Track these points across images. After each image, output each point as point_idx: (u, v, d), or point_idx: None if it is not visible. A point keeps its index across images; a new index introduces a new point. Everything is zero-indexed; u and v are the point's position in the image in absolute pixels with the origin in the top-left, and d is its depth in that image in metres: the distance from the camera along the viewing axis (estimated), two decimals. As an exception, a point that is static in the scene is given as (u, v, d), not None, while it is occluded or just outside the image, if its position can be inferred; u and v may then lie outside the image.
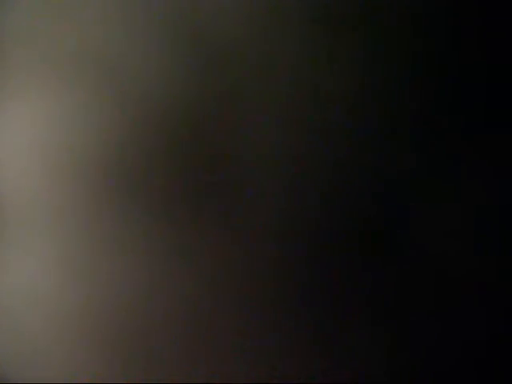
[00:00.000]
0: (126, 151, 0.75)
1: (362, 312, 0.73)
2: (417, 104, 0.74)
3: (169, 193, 0.75)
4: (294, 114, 0.75)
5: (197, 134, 0.75)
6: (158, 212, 0.75)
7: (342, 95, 0.75)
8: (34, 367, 0.74)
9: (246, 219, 0.74)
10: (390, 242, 0.73)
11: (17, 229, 0.75)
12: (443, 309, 0.73)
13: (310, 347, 0.73)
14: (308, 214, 0.74)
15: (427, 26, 0.75)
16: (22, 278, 0.75)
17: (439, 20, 0.75)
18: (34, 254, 0.75)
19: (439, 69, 0.74)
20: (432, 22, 0.75)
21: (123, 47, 0.76)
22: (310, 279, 0.74)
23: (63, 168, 0.76)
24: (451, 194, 0.74)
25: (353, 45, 0.75)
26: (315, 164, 0.74)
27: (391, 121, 0.74)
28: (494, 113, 0.74)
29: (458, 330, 0.73)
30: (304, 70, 0.75)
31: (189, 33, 0.75)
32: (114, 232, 0.75)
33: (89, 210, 0.75)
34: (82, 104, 0.76)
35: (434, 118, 0.74)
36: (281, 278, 0.74)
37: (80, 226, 0.75)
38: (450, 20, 0.75)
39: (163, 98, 0.75)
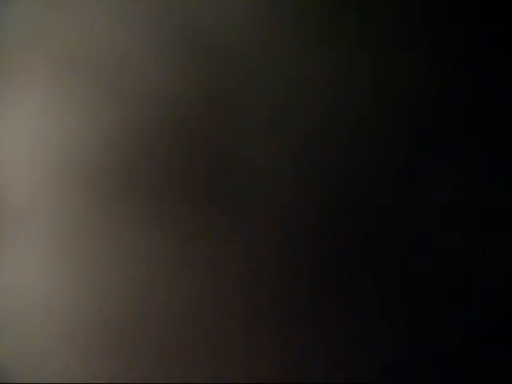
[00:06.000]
0: (126, 152, 0.75)
1: (364, 311, 0.73)
2: (415, 105, 0.74)
3: (169, 194, 0.75)
4: (295, 114, 0.75)
5: (197, 136, 0.75)
6: (158, 212, 0.75)
7: (342, 95, 0.75)
8: (34, 367, 0.74)
9: (247, 220, 0.74)
10: (392, 243, 0.73)
11: (17, 229, 0.75)
12: (444, 305, 0.73)
13: (311, 347, 0.73)
14: (310, 215, 0.74)
15: (427, 26, 0.75)
16: (22, 278, 0.75)
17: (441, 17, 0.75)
18: (34, 254, 0.75)
19: (440, 62, 0.75)
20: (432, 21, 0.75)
21: (124, 49, 0.76)
22: (312, 279, 0.74)
23: (63, 169, 0.76)
24: (451, 190, 0.74)
25: (354, 46, 0.75)
26: (317, 164, 0.74)
27: (392, 118, 0.74)
28: (495, 107, 0.74)
29: (460, 326, 0.73)
30: (305, 70, 0.75)
31: (189, 33, 0.75)
32: (113, 232, 0.75)
33: (89, 211, 0.75)
34: (83, 105, 0.76)
35: (435, 112, 0.74)
36: (283, 278, 0.74)
37: (80, 227, 0.75)
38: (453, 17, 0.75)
39: (164, 99, 0.75)
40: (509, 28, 0.74)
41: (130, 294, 0.74)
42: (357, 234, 0.74)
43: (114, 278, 0.74)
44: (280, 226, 0.74)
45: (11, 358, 0.74)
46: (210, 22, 0.75)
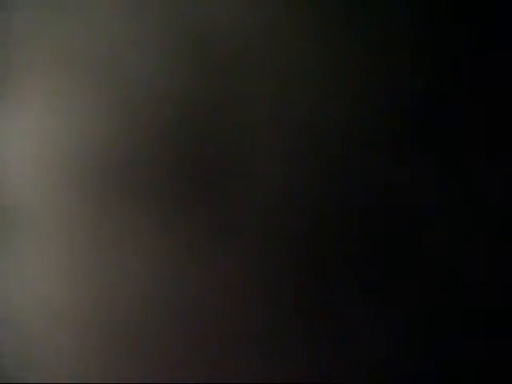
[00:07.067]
0: (127, 154, 0.75)
1: (358, 312, 0.73)
2: (416, 105, 0.74)
3: (170, 194, 0.75)
4: (298, 115, 0.75)
5: (199, 136, 0.75)
6: (158, 213, 0.75)
7: (345, 97, 0.75)
8: (35, 367, 0.74)
9: (248, 219, 0.74)
10: (391, 243, 0.73)
11: (18, 230, 0.75)
12: (443, 305, 0.73)
13: (312, 346, 0.73)
14: (311, 214, 0.74)
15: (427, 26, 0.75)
16: (24, 279, 0.75)
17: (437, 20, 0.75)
18: (35, 254, 0.75)
19: (437, 62, 0.75)
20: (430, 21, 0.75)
21: (126, 50, 0.76)
22: (313, 278, 0.74)
23: (64, 170, 0.76)
24: (452, 192, 0.74)
25: (358, 51, 0.75)
26: (319, 164, 0.74)
27: (392, 121, 0.74)
28: (495, 107, 0.74)
29: (459, 330, 0.73)
30: (308, 71, 0.75)
31: (192, 35, 0.75)
32: (114, 233, 0.75)
33: (89, 212, 0.75)
34: (83, 105, 0.76)
35: (434, 115, 0.74)
36: (284, 278, 0.74)
37: (81, 228, 0.75)
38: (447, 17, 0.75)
39: (164, 100, 0.75)
40: (507, 28, 0.74)
41: (132, 295, 0.74)
42: (357, 233, 0.74)
43: (116, 278, 0.74)
44: (281, 225, 0.74)
45: (11, 358, 0.74)
46: (213, 23, 0.75)
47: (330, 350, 0.73)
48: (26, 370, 0.74)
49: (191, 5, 0.76)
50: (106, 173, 0.75)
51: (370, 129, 0.74)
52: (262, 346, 0.73)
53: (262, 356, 0.73)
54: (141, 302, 0.74)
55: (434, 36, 0.75)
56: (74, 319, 0.74)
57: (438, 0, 0.75)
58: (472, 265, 0.73)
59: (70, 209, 0.75)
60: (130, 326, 0.74)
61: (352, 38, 0.75)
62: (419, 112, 0.74)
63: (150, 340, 0.74)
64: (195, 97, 0.75)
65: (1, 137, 0.76)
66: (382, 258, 0.73)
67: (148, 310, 0.74)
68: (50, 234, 0.75)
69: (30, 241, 0.75)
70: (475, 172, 0.73)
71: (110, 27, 0.76)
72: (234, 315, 0.74)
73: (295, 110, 0.74)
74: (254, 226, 0.74)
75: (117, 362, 0.74)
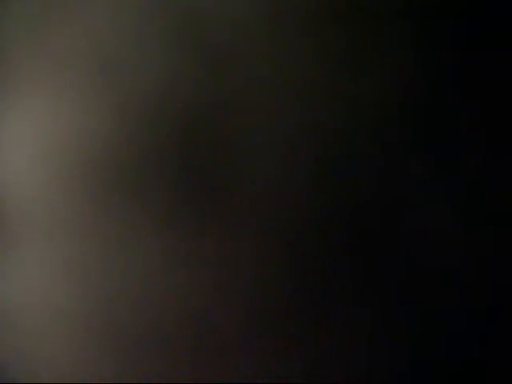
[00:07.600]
0: (126, 153, 0.75)
1: (357, 312, 0.73)
2: (414, 101, 0.74)
3: (167, 194, 0.75)
4: (296, 114, 0.75)
5: (199, 134, 0.75)
6: (157, 213, 0.75)
7: (341, 97, 0.75)
8: (35, 367, 0.74)
9: (247, 218, 0.74)
10: (383, 243, 0.73)
11: (18, 230, 0.75)
12: (446, 310, 0.73)
13: (313, 345, 0.73)
14: (311, 212, 0.74)
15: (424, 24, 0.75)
16: (23, 278, 0.75)
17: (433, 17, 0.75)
18: (35, 255, 0.75)
19: (438, 64, 0.74)
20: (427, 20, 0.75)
21: (126, 51, 0.76)
22: (314, 277, 0.74)
23: (63, 170, 0.76)
24: (446, 189, 0.74)
25: (356, 47, 0.75)
26: (311, 165, 0.74)
27: (389, 116, 0.74)
28: (495, 107, 0.74)
29: (456, 334, 0.73)
30: (308, 71, 0.75)
31: (192, 32, 0.75)
32: (114, 233, 0.75)
33: (89, 212, 0.75)
34: (85, 105, 0.76)
35: (432, 111, 0.74)
36: (284, 277, 0.74)
37: (80, 228, 0.75)
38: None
39: (165, 101, 0.75)
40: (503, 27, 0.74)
41: (132, 295, 0.74)
42: (355, 233, 0.74)
43: (115, 279, 0.75)
44: (281, 224, 0.74)
45: (12, 358, 0.74)
46: (212, 22, 0.75)
47: (328, 350, 0.73)
48: (25, 369, 0.74)
49: (194, 4, 0.76)
50: (105, 172, 0.75)
51: (369, 127, 0.74)
52: (258, 346, 0.73)
53: (258, 356, 0.73)
54: (139, 302, 0.74)
55: (434, 35, 0.74)
56: (73, 319, 0.75)
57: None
58: (472, 265, 0.73)
59: (70, 208, 0.75)
60: (130, 325, 0.74)
61: (354, 39, 0.75)
62: (418, 111, 0.74)
63: (150, 340, 0.74)
64: (197, 96, 0.75)
65: (0, 137, 0.77)
66: (381, 258, 0.73)
67: (147, 310, 0.74)
68: (49, 234, 0.75)
69: (29, 241, 0.75)
70: (475, 172, 0.73)
71: (112, 26, 0.76)
72: (235, 317, 0.74)
73: (293, 107, 0.74)
74: (251, 226, 0.74)
75: (117, 361, 0.74)
